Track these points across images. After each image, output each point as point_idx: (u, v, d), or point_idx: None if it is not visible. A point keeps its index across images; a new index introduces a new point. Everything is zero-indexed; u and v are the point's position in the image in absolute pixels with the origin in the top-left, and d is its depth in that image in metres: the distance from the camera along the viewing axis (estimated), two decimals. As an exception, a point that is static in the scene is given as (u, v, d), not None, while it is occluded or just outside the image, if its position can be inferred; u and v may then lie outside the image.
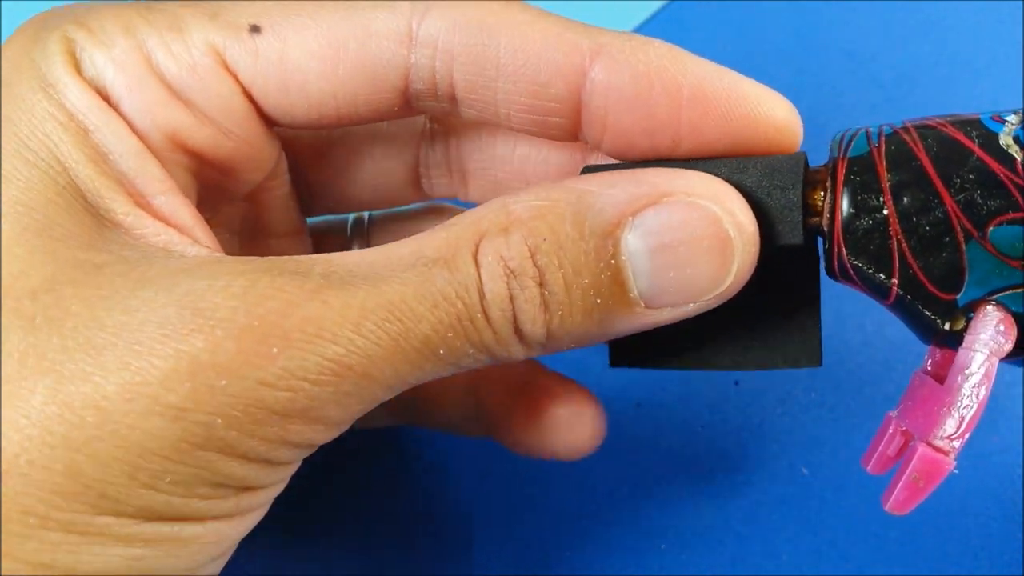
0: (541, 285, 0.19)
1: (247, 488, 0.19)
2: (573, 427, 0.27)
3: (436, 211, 0.29)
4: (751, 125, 0.21)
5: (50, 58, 0.20)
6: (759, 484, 0.31)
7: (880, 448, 0.22)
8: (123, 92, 0.21)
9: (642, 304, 0.20)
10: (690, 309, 0.20)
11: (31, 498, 0.17)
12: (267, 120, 0.23)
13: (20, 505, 0.17)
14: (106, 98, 0.20)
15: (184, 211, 0.21)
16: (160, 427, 0.17)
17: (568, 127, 0.22)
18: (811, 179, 0.21)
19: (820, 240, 0.21)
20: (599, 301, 0.19)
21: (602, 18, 0.38)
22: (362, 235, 0.29)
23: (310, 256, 0.20)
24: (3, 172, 0.19)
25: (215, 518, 0.19)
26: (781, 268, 0.21)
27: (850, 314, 0.33)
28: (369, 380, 0.19)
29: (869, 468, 0.22)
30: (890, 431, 0.22)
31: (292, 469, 0.20)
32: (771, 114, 0.21)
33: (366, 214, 0.29)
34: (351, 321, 0.18)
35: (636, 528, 0.31)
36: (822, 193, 0.20)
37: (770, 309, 0.22)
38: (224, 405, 0.17)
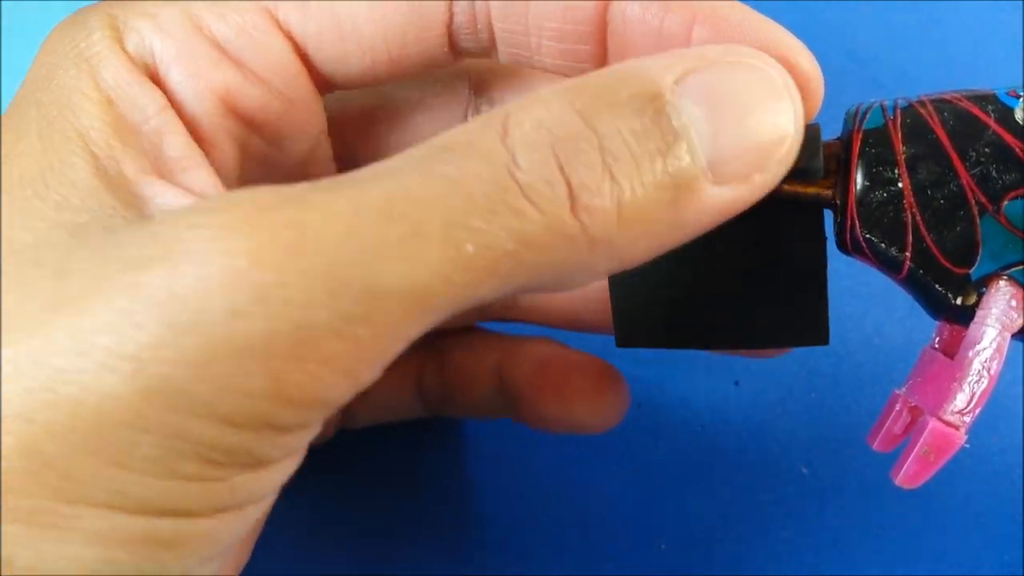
0: (601, 149, 0.16)
1: (243, 465, 0.15)
2: (598, 398, 0.26)
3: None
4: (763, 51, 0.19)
5: (91, 35, 0.19)
6: (759, 484, 0.31)
7: (887, 425, 0.22)
8: (171, 59, 0.19)
9: (710, 176, 0.17)
10: (757, 183, 0.18)
11: None
12: (320, 80, 0.22)
13: None
14: (154, 68, 0.20)
15: (210, 187, 0.19)
16: (116, 385, 0.14)
17: (596, 55, 0.21)
18: (824, 152, 0.20)
19: (831, 215, 0.21)
20: (670, 170, 0.17)
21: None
22: None
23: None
24: (21, 149, 0.18)
25: (202, 512, 0.15)
26: (788, 244, 0.21)
27: (850, 314, 0.33)
28: (376, 298, 0.15)
29: (875, 445, 0.22)
30: (897, 408, 0.22)
31: (304, 439, 0.16)
32: (784, 53, 0.19)
33: None
34: (339, 222, 0.15)
35: (636, 528, 0.31)
36: (835, 166, 0.20)
37: (776, 286, 0.22)
38: (186, 349, 0.14)
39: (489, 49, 0.22)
